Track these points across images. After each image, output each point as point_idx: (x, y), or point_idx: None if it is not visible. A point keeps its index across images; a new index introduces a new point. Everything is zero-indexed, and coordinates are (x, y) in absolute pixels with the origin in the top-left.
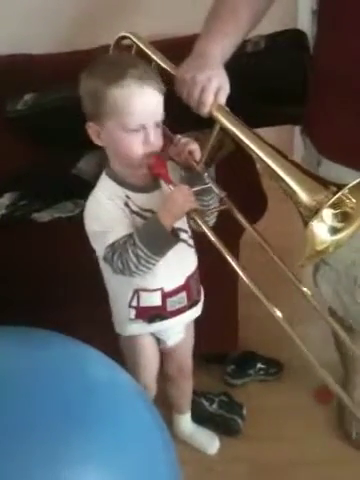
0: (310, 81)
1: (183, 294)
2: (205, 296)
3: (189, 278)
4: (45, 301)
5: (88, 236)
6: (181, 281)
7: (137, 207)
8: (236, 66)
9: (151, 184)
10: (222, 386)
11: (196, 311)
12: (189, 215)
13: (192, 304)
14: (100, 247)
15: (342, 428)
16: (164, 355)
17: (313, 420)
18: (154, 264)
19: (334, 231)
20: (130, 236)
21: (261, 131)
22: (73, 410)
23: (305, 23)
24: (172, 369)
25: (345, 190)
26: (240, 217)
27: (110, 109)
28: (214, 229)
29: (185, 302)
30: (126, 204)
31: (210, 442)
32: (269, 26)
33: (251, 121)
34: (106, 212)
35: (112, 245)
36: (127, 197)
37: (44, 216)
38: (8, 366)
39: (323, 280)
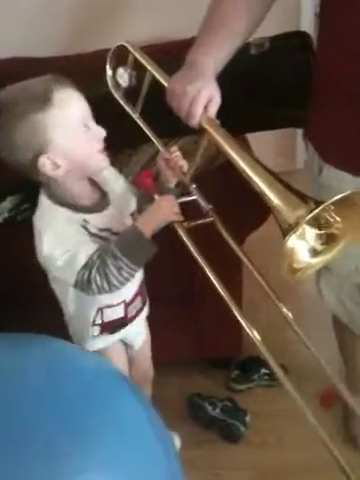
0: (312, 84)
1: (138, 298)
2: (210, 302)
3: (141, 281)
4: (46, 303)
5: (50, 273)
6: (136, 287)
7: (96, 229)
8: (240, 68)
9: (100, 203)
10: (226, 391)
11: (146, 308)
12: (169, 226)
13: (143, 304)
14: (70, 275)
15: (348, 433)
16: (130, 364)
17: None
18: (134, 275)
19: (314, 253)
20: (104, 250)
21: (263, 134)
22: (71, 415)
23: (307, 25)
24: (138, 374)
25: (323, 206)
26: (223, 231)
27: (54, 125)
28: (215, 234)
29: (140, 305)
30: (85, 228)
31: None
32: (272, 28)
33: (254, 124)
34: (67, 237)
35: (85, 265)
36: (84, 221)
37: None
38: (3, 373)
39: (326, 287)
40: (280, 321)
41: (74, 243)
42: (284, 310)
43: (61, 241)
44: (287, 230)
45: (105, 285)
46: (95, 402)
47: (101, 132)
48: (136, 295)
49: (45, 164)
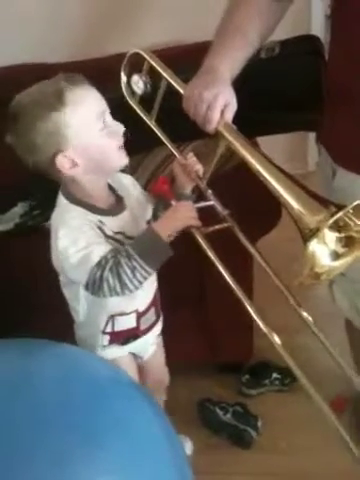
0: (324, 88)
1: (152, 310)
2: (221, 307)
3: (155, 293)
4: (56, 309)
5: (62, 275)
6: (150, 298)
7: (111, 232)
8: (250, 72)
9: (116, 206)
10: (237, 396)
11: (161, 322)
12: (187, 231)
13: (158, 317)
14: (83, 274)
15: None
16: (142, 373)
17: (329, 431)
18: (147, 278)
19: (335, 256)
20: (119, 250)
21: (275, 137)
22: (80, 418)
23: (318, 28)
24: (152, 383)
25: (345, 211)
26: (241, 236)
27: (72, 124)
28: (228, 236)
29: (154, 317)
30: (100, 229)
31: (183, 444)
32: (282, 31)
33: (265, 127)
34: (82, 236)
35: (98, 263)
36: (100, 222)
37: None
38: (13, 379)
39: (339, 291)
40: (289, 327)
41: (89, 242)
42: (304, 314)
43: (76, 239)
44: (308, 235)
45: (117, 286)
46: (105, 408)
47: (119, 128)
48: (150, 306)
49: (63, 162)
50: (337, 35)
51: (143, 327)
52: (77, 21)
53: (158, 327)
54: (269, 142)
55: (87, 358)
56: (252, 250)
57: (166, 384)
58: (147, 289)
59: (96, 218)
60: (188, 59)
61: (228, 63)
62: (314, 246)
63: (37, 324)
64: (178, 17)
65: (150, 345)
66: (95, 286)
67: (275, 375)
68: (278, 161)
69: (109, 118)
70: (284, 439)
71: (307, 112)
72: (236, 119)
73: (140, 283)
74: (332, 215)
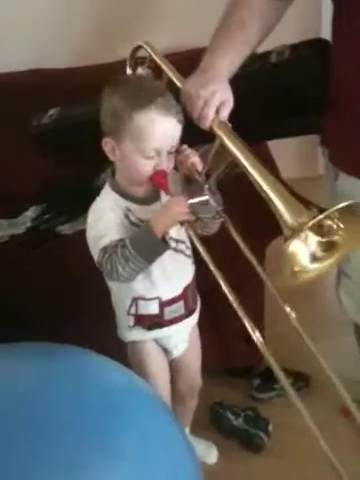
0: (328, 93)
1: (180, 304)
2: (232, 311)
3: (186, 288)
4: (68, 313)
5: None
6: (179, 291)
7: (137, 219)
8: (260, 76)
9: (151, 197)
10: (247, 400)
11: (193, 319)
12: (182, 225)
13: (189, 313)
14: (95, 252)
15: None
16: (174, 372)
17: (341, 436)
18: (142, 269)
19: (314, 259)
20: (122, 240)
21: (284, 141)
22: (96, 423)
23: (328, 32)
24: (183, 387)
25: (325, 214)
26: (233, 230)
27: (131, 132)
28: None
29: (182, 311)
30: (126, 216)
31: (208, 452)
32: (292, 35)
33: (275, 131)
34: (103, 218)
35: (104, 248)
36: (128, 209)
37: (69, 229)
38: (31, 384)
39: (345, 294)
40: (305, 330)
41: (107, 226)
42: (287, 309)
43: (98, 221)
44: (289, 236)
45: (114, 273)
46: (120, 414)
47: (163, 168)
48: (177, 299)
49: (107, 144)
50: (340, 41)
51: (168, 317)
52: (82, 27)
53: (188, 322)
54: (279, 146)
55: (104, 364)
56: (244, 249)
57: (198, 388)
58: (172, 281)
59: (124, 204)
60: (193, 65)
61: (226, 61)
62: (295, 246)
63: (52, 328)
64: (184, 24)
65: (181, 342)
66: (101, 268)
67: None
68: (288, 164)
69: (165, 155)
70: (294, 444)
71: (317, 115)
72: (246, 123)
73: (135, 272)
74: (314, 217)
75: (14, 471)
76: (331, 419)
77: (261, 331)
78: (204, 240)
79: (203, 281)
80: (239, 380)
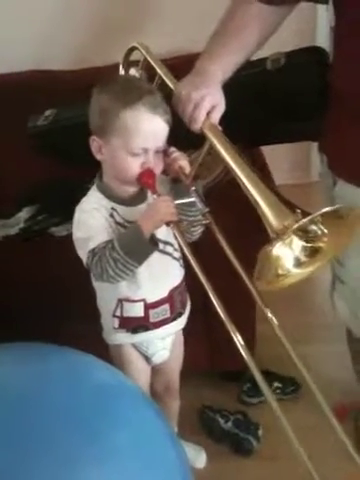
0: (326, 99)
1: (166, 306)
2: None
3: (173, 291)
4: (60, 314)
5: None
6: (164, 293)
7: (122, 219)
8: (256, 83)
9: (137, 197)
10: (238, 404)
11: (180, 323)
12: (168, 226)
13: (175, 316)
14: (83, 253)
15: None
16: (151, 374)
17: (331, 440)
18: (132, 270)
19: (297, 263)
20: (110, 241)
21: (278, 147)
22: (86, 423)
23: (323, 39)
24: (158, 385)
25: (309, 218)
26: (218, 234)
27: (118, 129)
28: (234, 241)
29: (168, 314)
30: (111, 215)
31: (197, 456)
32: (287, 43)
33: (270, 137)
34: (89, 220)
35: (92, 250)
36: (113, 209)
37: (62, 230)
38: (20, 383)
39: (339, 299)
40: (297, 334)
41: (93, 228)
42: (269, 314)
43: (84, 222)
44: (274, 238)
45: (103, 274)
46: (112, 412)
47: (151, 167)
48: (162, 301)
49: (93, 142)
50: (339, 49)
51: (153, 320)
52: (81, 29)
53: (172, 327)
54: (273, 152)
55: (94, 364)
56: (227, 251)
57: (175, 389)
58: (157, 283)
59: (110, 205)
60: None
61: (220, 65)
62: (279, 249)
63: (45, 329)
64: (183, 27)
65: (161, 350)
66: (90, 269)
67: (276, 384)
68: (281, 171)
69: (152, 153)
70: (284, 448)
71: (312, 122)
72: (241, 129)
73: (124, 274)
74: (298, 221)
75: (7, 469)
76: (322, 424)
77: (251, 335)
78: (194, 243)
79: (194, 284)
80: (230, 384)
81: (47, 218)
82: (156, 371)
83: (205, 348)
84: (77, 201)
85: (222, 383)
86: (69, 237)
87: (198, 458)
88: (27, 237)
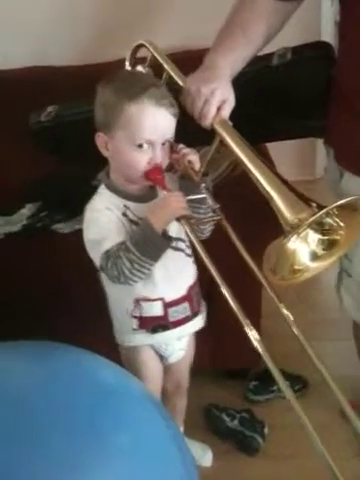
0: (332, 91)
1: (185, 304)
2: (228, 312)
3: (190, 289)
4: (63, 311)
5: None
6: (183, 292)
7: (135, 216)
8: (262, 79)
9: (148, 194)
10: (244, 402)
11: (198, 322)
12: (179, 222)
13: (194, 315)
14: (96, 256)
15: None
16: (163, 373)
17: (338, 439)
18: (148, 269)
19: (314, 257)
20: (123, 242)
21: (283, 144)
22: (89, 422)
23: (328, 34)
24: (170, 384)
25: (324, 211)
26: (230, 230)
27: (123, 122)
28: (240, 237)
29: (188, 312)
30: (124, 214)
31: (203, 454)
32: (292, 38)
33: (275, 133)
34: (102, 221)
35: (107, 252)
36: (125, 207)
37: (65, 227)
38: (23, 381)
39: (346, 293)
40: (305, 333)
41: (106, 228)
42: (285, 311)
43: (95, 222)
44: (289, 232)
45: (121, 276)
46: (114, 411)
47: (159, 161)
48: (181, 299)
49: (99, 138)
50: (344, 43)
51: (172, 319)
52: (84, 25)
53: (191, 326)
54: (278, 148)
55: (98, 363)
56: (239, 247)
57: (185, 387)
58: (174, 281)
59: (122, 203)
60: (198, 65)
61: (229, 61)
62: (294, 244)
63: (47, 326)
64: (188, 22)
65: (178, 350)
66: (104, 272)
67: None
68: (286, 167)
69: (159, 146)
70: (290, 446)
71: (318, 118)
72: (246, 125)
73: (141, 273)
74: (313, 214)
75: (8, 468)
76: (329, 423)
77: (257, 332)
78: (202, 240)
79: (200, 283)
80: (235, 382)
81: (50, 215)
82: (168, 370)
83: (211, 346)
84: (80, 198)
85: (227, 381)
86: (72, 234)
87: (204, 457)
88: (30, 234)
